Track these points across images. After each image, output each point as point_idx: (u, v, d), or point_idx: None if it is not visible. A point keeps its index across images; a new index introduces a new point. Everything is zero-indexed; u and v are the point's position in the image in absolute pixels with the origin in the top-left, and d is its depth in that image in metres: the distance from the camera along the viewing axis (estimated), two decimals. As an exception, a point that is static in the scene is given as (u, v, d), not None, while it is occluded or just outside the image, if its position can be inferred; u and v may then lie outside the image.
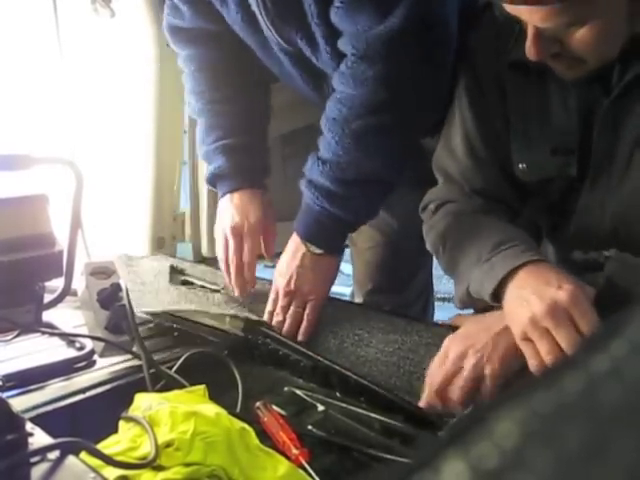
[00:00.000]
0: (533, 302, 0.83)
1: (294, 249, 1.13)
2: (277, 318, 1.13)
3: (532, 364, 0.83)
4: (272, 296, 1.16)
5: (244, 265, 1.21)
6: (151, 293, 1.22)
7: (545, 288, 0.83)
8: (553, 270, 0.87)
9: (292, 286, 1.12)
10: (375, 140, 1.05)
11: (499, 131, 1.05)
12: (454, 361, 0.90)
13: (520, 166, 1.04)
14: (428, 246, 1.12)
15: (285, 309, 1.13)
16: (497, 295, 0.90)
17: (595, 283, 0.85)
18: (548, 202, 1.07)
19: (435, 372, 0.92)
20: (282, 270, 1.14)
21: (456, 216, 1.08)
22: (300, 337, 1.12)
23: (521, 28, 0.89)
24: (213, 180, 1.29)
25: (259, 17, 1.12)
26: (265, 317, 1.15)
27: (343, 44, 1.04)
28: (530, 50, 0.86)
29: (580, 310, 0.80)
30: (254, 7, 1.10)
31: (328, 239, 1.12)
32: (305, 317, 1.12)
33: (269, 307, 1.16)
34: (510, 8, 0.84)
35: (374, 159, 1.06)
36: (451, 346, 0.92)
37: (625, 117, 0.93)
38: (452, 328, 1.00)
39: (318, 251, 1.11)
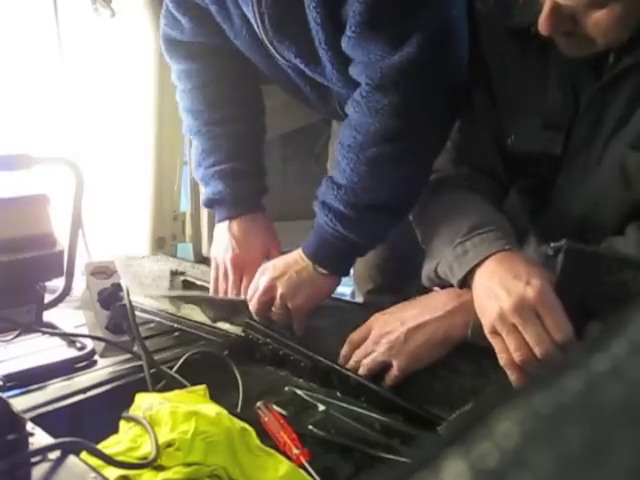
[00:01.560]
0: (501, 297, 0.84)
1: (298, 258, 1.10)
2: (254, 307, 1.12)
3: (501, 358, 0.85)
4: (248, 284, 1.14)
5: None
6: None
7: (513, 282, 0.83)
8: (524, 262, 0.87)
9: (279, 285, 1.09)
10: (390, 168, 1.04)
11: (495, 99, 1.04)
12: (369, 345, 1.00)
13: (509, 138, 1.03)
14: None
15: (266, 304, 1.11)
16: (465, 280, 0.92)
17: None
18: (532, 183, 1.07)
19: (354, 341, 1.03)
20: (278, 265, 1.11)
21: (437, 188, 1.07)
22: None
23: None
24: (211, 204, 1.27)
25: (260, 36, 1.10)
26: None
27: (356, 73, 1.03)
28: (543, 24, 0.86)
29: (547, 307, 0.81)
30: (254, 27, 1.09)
31: (335, 261, 1.11)
32: (296, 323, 1.11)
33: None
34: None
35: (388, 186, 1.05)
36: (374, 326, 1.01)
37: (609, 105, 0.94)
38: None
39: (323, 271, 1.09)
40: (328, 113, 1.40)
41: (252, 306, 1.12)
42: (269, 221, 1.29)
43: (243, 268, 1.20)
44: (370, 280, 1.58)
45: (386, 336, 0.98)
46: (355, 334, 1.04)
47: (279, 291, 1.09)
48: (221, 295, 1.22)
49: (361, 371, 1.00)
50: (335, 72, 1.08)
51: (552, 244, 0.83)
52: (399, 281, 1.56)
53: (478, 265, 0.89)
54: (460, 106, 1.07)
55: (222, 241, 1.24)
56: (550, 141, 1.00)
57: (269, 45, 1.10)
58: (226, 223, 1.24)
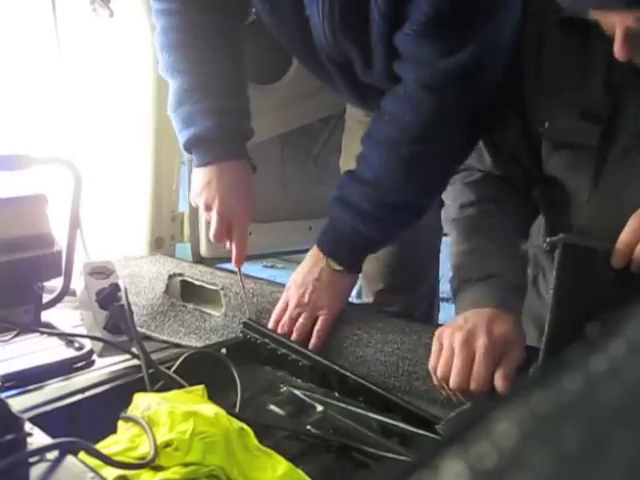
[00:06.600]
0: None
1: (313, 262, 1.12)
2: (283, 329, 1.12)
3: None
4: (280, 305, 1.14)
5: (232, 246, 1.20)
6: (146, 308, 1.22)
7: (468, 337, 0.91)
8: (489, 320, 0.93)
9: (306, 298, 1.11)
10: (422, 168, 1.04)
11: (534, 84, 1.03)
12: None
13: (545, 124, 1.02)
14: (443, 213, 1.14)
15: (293, 321, 1.11)
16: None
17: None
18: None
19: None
20: (297, 281, 1.13)
21: (475, 214, 1.09)
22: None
23: None
24: (196, 144, 1.18)
25: (318, 27, 1.07)
26: (270, 326, 1.14)
27: (402, 69, 1.02)
28: (620, 51, 0.83)
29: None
30: (314, 17, 1.06)
31: (351, 257, 1.11)
32: (315, 332, 1.10)
33: (275, 316, 1.14)
34: (598, 14, 0.82)
35: (416, 186, 1.06)
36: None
37: None
38: None
39: (338, 267, 1.10)
40: (364, 107, 1.37)
41: (282, 328, 1.12)
42: (251, 172, 1.25)
43: (231, 222, 1.18)
44: (381, 280, 1.57)
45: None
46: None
47: (305, 300, 1.11)
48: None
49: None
50: (383, 63, 1.06)
51: (549, 239, 0.83)
52: (410, 281, 1.55)
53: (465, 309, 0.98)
54: (492, 110, 1.07)
55: (210, 190, 1.18)
56: (587, 131, 0.99)
57: (329, 37, 1.07)
58: (215, 169, 1.18)
